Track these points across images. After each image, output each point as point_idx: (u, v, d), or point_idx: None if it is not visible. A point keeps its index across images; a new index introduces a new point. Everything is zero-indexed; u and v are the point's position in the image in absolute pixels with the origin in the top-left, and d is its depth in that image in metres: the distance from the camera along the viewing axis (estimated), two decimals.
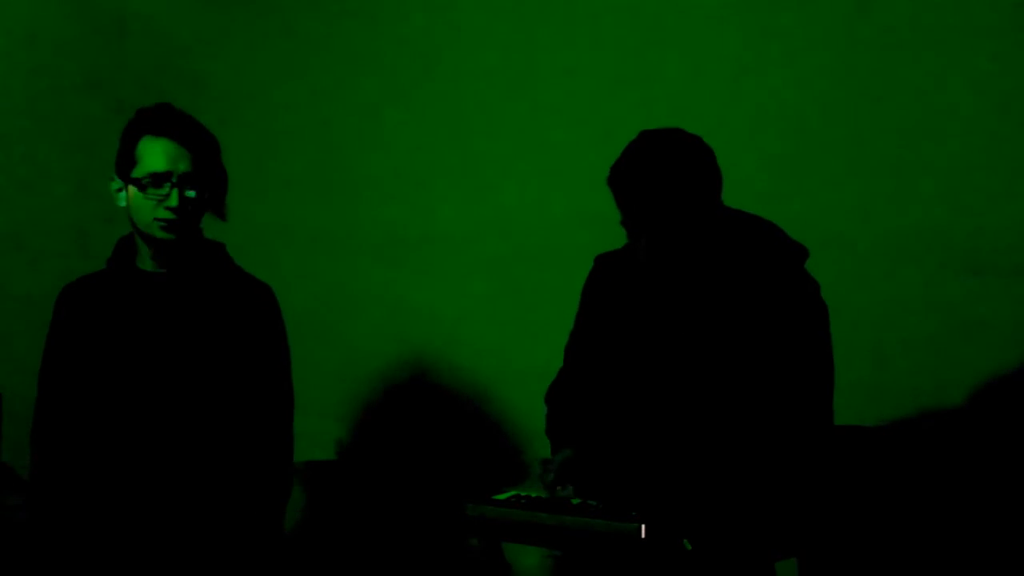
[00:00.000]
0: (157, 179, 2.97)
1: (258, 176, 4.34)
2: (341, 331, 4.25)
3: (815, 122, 3.59)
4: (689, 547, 2.59)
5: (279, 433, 3.09)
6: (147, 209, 2.98)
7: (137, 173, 2.99)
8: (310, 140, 4.31)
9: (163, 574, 2.95)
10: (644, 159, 2.80)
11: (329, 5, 4.27)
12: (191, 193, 2.99)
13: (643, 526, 2.59)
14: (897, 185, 3.50)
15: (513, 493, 2.84)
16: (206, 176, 3.02)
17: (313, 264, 4.28)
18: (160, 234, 2.99)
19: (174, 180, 2.97)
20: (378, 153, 4.21)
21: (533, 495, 2.83)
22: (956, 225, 3.43)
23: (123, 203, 3.04)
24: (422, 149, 4.14)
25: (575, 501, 2.78)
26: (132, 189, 2.99)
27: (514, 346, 3.99)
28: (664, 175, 2.77)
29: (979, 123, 3.41)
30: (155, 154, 2.99)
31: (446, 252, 4.09)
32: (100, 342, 3.02)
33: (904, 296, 3.47)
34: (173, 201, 2.97)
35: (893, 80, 3.51)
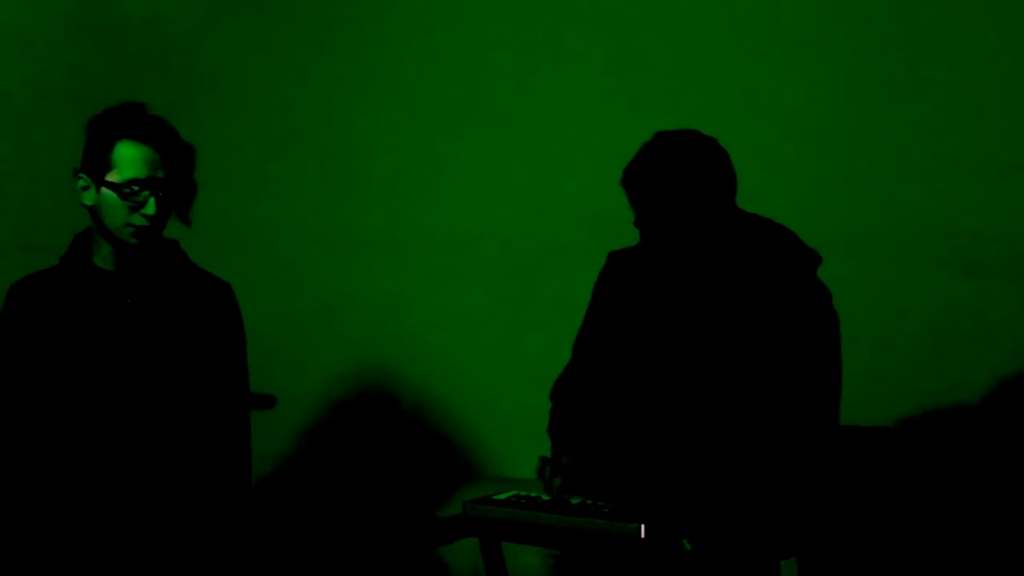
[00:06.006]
0: (135, 186, 2.95)
1: (258, 176, 4.33)
2: (340, 330, 4.24)
3: (815, 123, 3.59)
4: (689, 547, 2.59)
5: (233, 430, 3.08)
6: (121, 214, 2.95)
7: (114, 178, 2.94)
8: (310, 140, 4.31)
9: (124, 572, 2.94)
10: (659, 159, 2.79)
11: (330, 5, 4.27)
12: (167, 201, 2.96)
13: (643, 526, 2.59)
14: (897, 186, 3.50)
15: (513, 493, 2.84)
16: (179, 182, 3.00)
17: (312, 264, 4.27)
18: (131, 240, 2.97)
19: (152, 188, 2.95)
20: (378, 153, 4.20)
21: (533, 495, 2.83)
22: (956, 225, 3.43)
23: (89, 201, 3.00)
24: (422, 149, 4.13)
25: (575, 500, 2.77)
26: (106, 192, 2.97)
27: (514, 346, 3.98)
28: (679, 176, 2.77)
29: (979, 123, 3.41)
30: (135, 161, 2.94)
31: (446, 252, 4.09)
32: (54, 340, 3.00)
33: (904, 296, 3.47)
34: (150, 209, 2.94)
35: (893, 81, 3.51)
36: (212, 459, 3.03)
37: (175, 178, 2.98)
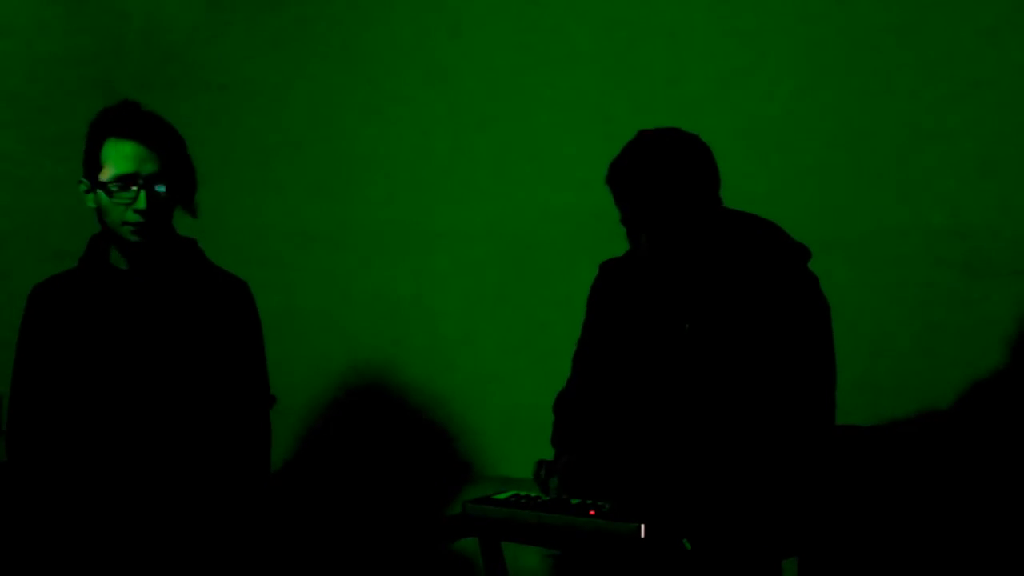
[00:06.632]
0: (123, 182, 2.96)
1: (258, 175, 4.34)
2: (339, 330, 4.25)
3: (814, 122, 3.59)
4: (689, 547, 2.59)
5: (254, 427, 3.09)
6: (116, 212, 2.98)
7: (104, 177, 2.97)
8: (310, 139, 4.31)
9: (143, 569, 2.95)
10: (642, 157, 2.82)
11: (330, 5, 4.27)
12: (160, 194, 2.98)
13: (643, 526, 2.59)
14: (897, 185, 3.50)
15: (513, 493, 2.84)
16: (173, 174, 3.01)
17: (312, 263, 4.28)
18: (130, 237, 2.99)
19: (140, 182, 2.96)
20: (378, 153, 4.21)
21: (533, 495, 2.83)
22: (956, 225, 3.43)
23: (92, 204, 3.03)
24: (422, 149, 4.14)
25: (574, 501, 2.78)
26: (100, 192, 2.98)
27: (514, 346, 3.99)
28: (661, 173, 2.78)
29: (979, 123, 3.41)
30: (120, 157, 2.98)
31: (446, 252, 4.09)
32: (73, 340, 3.02)
33: (904, 296, 3.47)
34: (141, 203, 2.96)
35: (892, 80, 3.51)
36: (232, 456, 3.04)
37: (167, 170, 2.99)
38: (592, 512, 2.67)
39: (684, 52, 3.76)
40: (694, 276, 2.87)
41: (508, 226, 4.00)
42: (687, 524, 2.64)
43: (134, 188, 2.96)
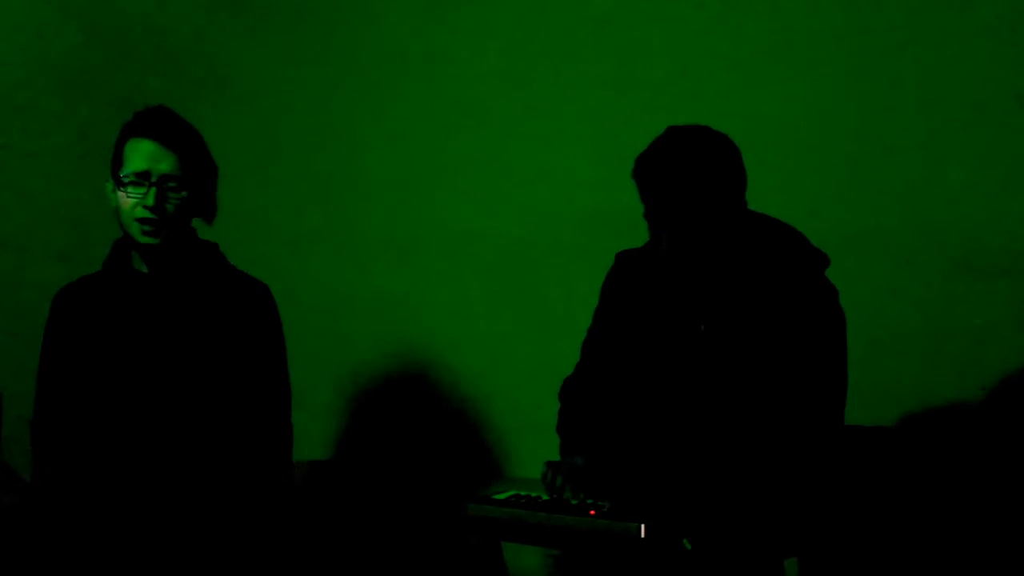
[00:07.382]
0: (136, 178, 2.99)
1: (259, 176, 4.34)
2: (341, 330, 4.25)
3: (815, 122, 3.59)
4: (689, 547, 2.59)
5: (277, 429, 3.10)
6: (128, 209, 3.01)
7: (121, 172, 3.01)
8: (310, 140, 4.31)
9: (164, 570, 2.95)
10: (670, 152, 2.80)
11: (330, 5, 4.27)
12: (173, 194, 3.00)
13: (643, 526, 2.59)
14: (897, 185, 3.50)
15: (513, 493, 2.84)
16: (191, 177, 3.03)
17: (313, 264, 4.28)
18: (141, 237, 3.01)
19: (153, 179, 2.99)
20: (379, 153, 4.21)
21: (533, 495, 2.83)
22: (956, 225, 3.43)
23: (114, 204, 3.06)
24: (423, 149, 4.14)
25: (574, 501, 2.78)
26: (119, 190, 3.02)
27: (514, 346, 3.99)
28: (690, 169, 2.77)
29: (979, 123, 3.41)
30: (136, 154, 3.01)
31: (446, 252, 4.09)
32: (96, 343, 3.04)
33: (904, 296, 3.47)
34: (149, 200, 2.98)
35: (893, 80, 3.51)
36: (255, 458, 3.04)
37: (185, 172, 3.01)
38: (592, 512, 2.67)
39: (686, 53, 3.76)
40: (713, 277, 2.86)
41: (510, 227, 4.00)
42: (687, 524, 2.64)
43: (145, 184, 2.99)
